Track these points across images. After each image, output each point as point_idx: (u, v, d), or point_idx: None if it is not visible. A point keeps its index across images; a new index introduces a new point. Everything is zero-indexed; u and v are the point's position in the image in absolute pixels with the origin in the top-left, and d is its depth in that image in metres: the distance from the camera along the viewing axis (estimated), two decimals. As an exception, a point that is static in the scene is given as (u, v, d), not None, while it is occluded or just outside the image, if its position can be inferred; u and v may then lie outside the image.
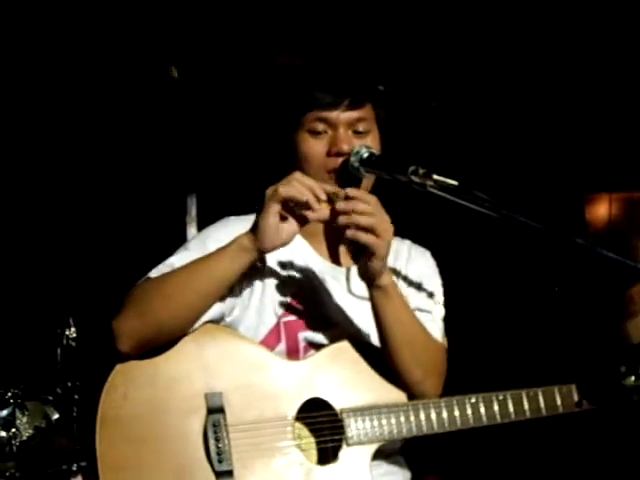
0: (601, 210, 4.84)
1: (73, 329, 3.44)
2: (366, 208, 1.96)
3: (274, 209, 1.95)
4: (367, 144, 2.12)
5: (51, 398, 3.29)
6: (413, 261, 2.28)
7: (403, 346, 2.07)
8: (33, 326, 3.70)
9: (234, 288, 2.09)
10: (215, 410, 1.95)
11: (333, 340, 2.15)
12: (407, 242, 2.32)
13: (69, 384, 3.39)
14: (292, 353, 2.14)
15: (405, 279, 2.23)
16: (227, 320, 2.13)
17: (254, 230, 1.97)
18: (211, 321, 2.08)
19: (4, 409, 3.14)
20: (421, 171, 1.98)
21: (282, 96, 2.25)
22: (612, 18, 4.17)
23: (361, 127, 2.14)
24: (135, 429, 1.92)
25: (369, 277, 2.03)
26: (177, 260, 2.07)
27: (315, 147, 2.13)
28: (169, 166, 4.14)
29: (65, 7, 3.90)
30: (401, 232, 2.28)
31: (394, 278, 2.11)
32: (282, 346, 2.13)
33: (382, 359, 2.11)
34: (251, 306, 2.14)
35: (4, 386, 3.19)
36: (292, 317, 2.15)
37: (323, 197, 1.97)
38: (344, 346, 2.12)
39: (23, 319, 3.81)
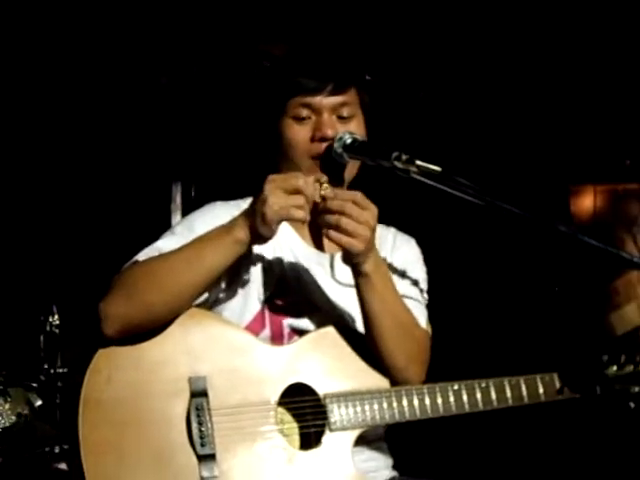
0: (586, 202, 4.85)
1: (56, 316, 3.43)
2: (361, 215, 1.95)
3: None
4: (351, 129, 2.13)
5: (34, 385, 3.28)
6: (397, 249, 2.29)
7: (387, 332, 2.07)
8: (16, 313, 3.69)
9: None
10: (198, 394, 1.95)
11: (317, 326, 2.15)
12: (392, 230, 2.33)
13: (52, 371, 3.38)
14: (276, 339, 2.14)
15: (390, 266, 2.22)
16: (211, 305, 2.13)
17: (252, 220, 1.96)
18: (195, 305, 2.08)
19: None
20: (404, 157, 1.98)
21: (266, 83, 2.25)
22: (595, 12, 4.18)
23: (345, 112, 2.15)
24: (118, 412, 1.92)
25: (351, 264, 2.04)
26: (164, 244, 2.07)
27: (299, 133, 2.13)
28: (154, 154, 4.13)
29: (57, 7, 3.89)
30: (387, 220, 2.29)
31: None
32: (266, 332, 2.14)
33: (366, 345, 2.11)
34: (235, 292, 2.14)
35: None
36: (276, 303, 2.16)
37: (317, 199, 1.98)
38: (328, 332, 2.12)
39: (6, 306, 3.80)
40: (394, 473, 2.25)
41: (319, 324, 2.16)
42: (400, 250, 2.29)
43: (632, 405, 2.21)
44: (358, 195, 1.98)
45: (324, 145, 2.11)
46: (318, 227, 2.17)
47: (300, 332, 2.15)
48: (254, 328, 2.13)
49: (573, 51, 4.32)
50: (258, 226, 1.94)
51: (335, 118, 2.14)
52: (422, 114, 4.37)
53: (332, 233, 1.96)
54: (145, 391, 1.95)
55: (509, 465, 3.91)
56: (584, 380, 2.24)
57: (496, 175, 4.08)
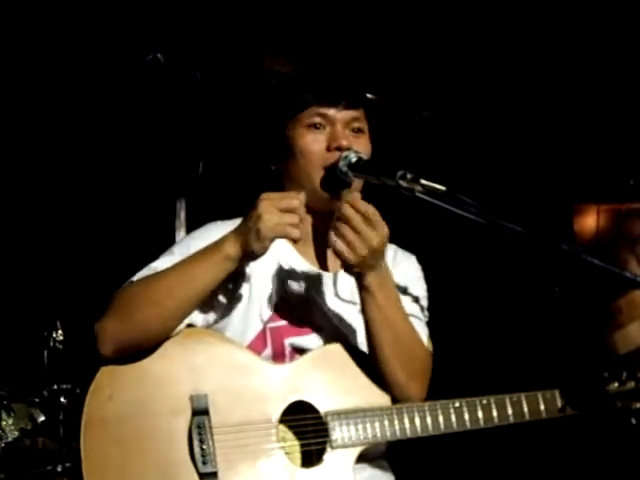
0: (589, 221, 4.85)
1: (60, 332, 3.43)
2: (365, 231, 1.97)
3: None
4: (362, 144, 2.17)
5: (37, 400, 3.28)
6: (398, 265, 2.29)
7: (387, 345, 2.07)
8: (20, 328, 3.69)
9: (218, 295, 2.11)
10: (200, 412, 1.96)
11: (319, 345, 2.16)
12: (393, 247, 2.33)
13: (55, 387, 3.38)
14: (278, 358, 2.15)
15: None
16: (212, 326, 2.14)
17: (245, 237, 1.97)
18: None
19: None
20: (409, 176, 1.99)
21: (283, 91, 2.26)
22: (603, 33, 4.19)
23: (357, 126, 2.18)
24: (120, 430, 1.94)
25: (352, 274, 2.05)
26: (161, 264, 2.09)
27: (315, 142, 2.15)
28: (159, 169, 4.13)
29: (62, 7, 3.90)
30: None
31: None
32: (268, 351, 2.15)
33: (368, 362, 2.12)
34: (236, 312, 2.15)
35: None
36: (278, 323, 2.16)
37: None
38: (330, 349, 2.13)
39: (10, 321, 3.80)
40: (392, 478, 2.25)
41: (321, 342, 2.17)
42: (400, 267, 2.30)
43: (633, 421, 2.22)
44: (370, 211, 1.99)
45: (336, 154, 2.12)
46: (321, 246, 2.20)
47: (302, 351, 2.16)
48: (256, 347, 2.14)
49: (578, 72, 4.33)
50: (251, 242, 1.95)
51: (348, 131, 2.17)
52: (426, 133, 4.38)
53: (331, 235, 1.99)
54: (147, 409, 1.96)
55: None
56: (585, 397, 2.24)
57: (500, 194, 4.08)
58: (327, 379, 2.10)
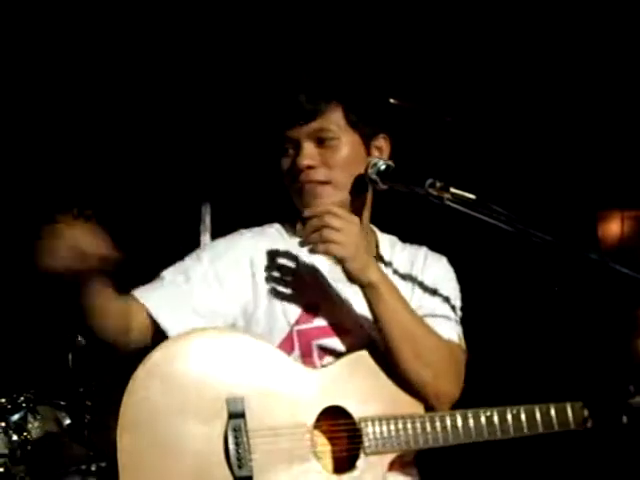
0: (613, 227, 4.83)
1: (85, 335, 3.44)
2: (337, 223, 2.01)
3: None
4: (331, 153, 2.17)
5: (63, 403, 3.30)
6: (428, 267, 2.30)
7: (403, 343, 2.07)
8: (45, 330, 3.71)
9: (240, 297, 2.16)
10: (236, 415, 1.97)
11: (347, 346, 2.17)
12: (423, 249, 2.35)
13: (81, 389, 3.40)
14: (306, 358, 2.16)
15: (421, 285, 2.26)
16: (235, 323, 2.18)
17: None
18: None
19: (16, 413, 3.15)
20: (438, 184, 2.00)
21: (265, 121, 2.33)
22: (623, 42, 4.18)
23: (321, 136, 2.17)
24: (156, 433, 1.94)
25: (353, 278, 2.06)
26: (168, 273, 2.16)
27: (286, 164, 2.21)
28: (184, 175, 4.15)
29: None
30: (417, 240, 2.36)
31: (405, 282, 2.21)
32: (296, 353, 2.16)
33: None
34: (264, 315, 2.17)
35: (16, 390, 3.20)
36: (305, 325, 2.18)
37: None
38: (363, 355, 2.13)
39: (36, 323, 3.82)
40: None
41: (349, 344, 2.17)
42: (431, 268, 2.30)
43: None
44: (332, 207, 2.05)
45: (302, 176, 2.16)
46: None
47: (330, 351, 2.17)
48: (283, 349, 2.14)
49: (605, 82, 4.32)
50: None
51: (315, 144, 2.18)
52: (450, 140, 4.38)
53: (320, 247, 2.02)
54: (183, 411, 1.96)
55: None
56: (610, 410, 2.23)
57: (525, 201, 4.07)
58: (361, 385, 2.10)
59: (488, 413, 2.14)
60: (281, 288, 2.19)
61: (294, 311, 2.18)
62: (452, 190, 1.98)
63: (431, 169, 2.07)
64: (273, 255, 2.21)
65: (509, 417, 2.15)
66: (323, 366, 2.14)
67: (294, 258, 2.22)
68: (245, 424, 1.97)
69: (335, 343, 2.18)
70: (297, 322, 2.17)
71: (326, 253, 2.04)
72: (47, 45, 3.99)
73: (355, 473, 2.04)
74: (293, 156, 2.18)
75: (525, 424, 2.16)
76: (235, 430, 1.96)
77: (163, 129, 4.20)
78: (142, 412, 1.94)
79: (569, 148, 4.50)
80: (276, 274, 2.19)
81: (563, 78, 4.35)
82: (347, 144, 2.18)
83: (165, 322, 2.07)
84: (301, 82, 2.23)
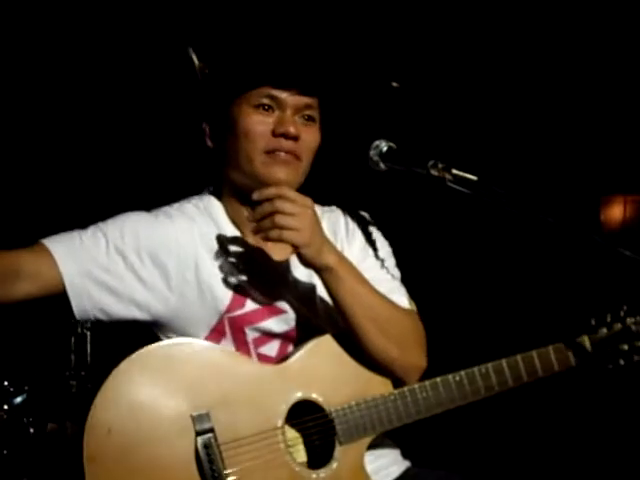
0: (616, 212, 4.85)
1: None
2: (290, 208, 1.92)
3: None
4: (310, 133, 2.10)
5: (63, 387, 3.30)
6: (352, 233, 2.25)
7: (367, 322, 2.02)
8: (48, 314, 3.72)
9: (162, 288, 2.06)
10: (204, 431, 1.89)
11: (285, 327, 2.12)
12: (338, 213, 2.25)
13: (83, 373, 3.41)
14: (240, 345, 2.09)
15: (352, 255, 2.14)
16: (166, 319, 2.08)
17: None
18: (137, 322, 2.06)
19: (19, 396, 3.15)
20: (440, 165, 1.98)
21: (233, 66, 2.16)
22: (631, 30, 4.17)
23: (308, 113, 2.10)
24: (125, 464, 1.84)
25: (309, 263, 1.99)
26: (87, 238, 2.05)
27: (260, 124, 2.06)
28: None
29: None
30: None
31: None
32: (228, 341, 2.09)
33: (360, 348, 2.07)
34: (185, 305, 2.07)
35: (19, 373, 3.21)
36: (237, 312, 2.09)
37: None
38: (322, 341, 2.07)
39: (38, 307, 3.82)
40: (407, 463, 2.23)
41: (286, 324, 2.12)
42: (356, 234, 2.25)
43: (621, 362, 2.21)
44: (283, 190, 1.94)
45: (284, 143, 2.05)
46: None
47: (266, 335, 2.10)
48: (214, 338, 2.08)
49: (605, 66, 4.31)
50: None
51: (297, 118, 2.08)
52: (456, 124, 4.37)
53: (272, 233, 1.92)
54: (148, 436, 1.87)
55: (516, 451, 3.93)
56: (577, 350, 2.22)
57: (528, 185, 4.07)
58: (324, 373, 2.04)
59: (457, 378, 2.10)
60: (207, 274, 2.08)
61: (224, 297, 2.08)
62: (454, 171, 1.97)
63: (433, 151, 2.06)
64: (196, 239, 2.10)
65: (478, 377, 2.11)
66: (283, 359, 2.07)
67: (218, 239, 2.11)
68: (215, 438, 1.90)
69: (271, 325, 2.11)
70: (228, 310, 2.08)
71: (280, 240, 1.93)
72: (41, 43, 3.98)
73: (333, 465, 2.00)
74: (271, 120, 2.06)
75: (509, 376, 2.14)
76: (206, 447, 1.88)
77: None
78: (107, 445, 1.84)
79: (573, 136, 4.51)
80: (202, 260, 2.08)
81: (570, 65, 4.35)
82: (318, 131, 2.14)
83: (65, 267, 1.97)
84: (314, 56, 2.18)
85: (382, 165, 2.10)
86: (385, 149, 2.09)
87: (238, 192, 2.12)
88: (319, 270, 2.00)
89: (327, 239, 2.01)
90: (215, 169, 2.17)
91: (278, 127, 2.05)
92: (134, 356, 1.91)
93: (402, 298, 2.18)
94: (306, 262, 1.99)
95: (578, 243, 1.97)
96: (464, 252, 4.54)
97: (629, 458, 3.73)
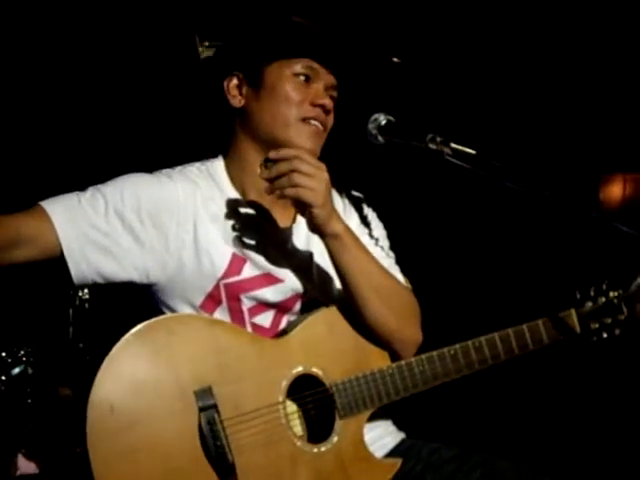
0: (615, 190, 4.85)
1: (86, 290, 3.46)
2: (307, 169, 1.94)
3: None
4: (332, 113, 2.17)
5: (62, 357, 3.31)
6: (349, 212, 2.28)
7: (370, 292, 2.04)
8: (46, 286, 3.72)
9: (159, 251, 2.05)
10: (207, 407, 1.90)
11: (281, 296, 2.13)
12: (333, 191, 2.26)
13: (81, 345, 3.41)
14: (235, 314, 2.10)
15: None
16: (152, 280, 2.07)
17: None
18: (135, 285, 2.06)
19: (16, 367, 3.16)
20: (439, 139, 1.98)
21: (286, 27, 2.19)
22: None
23: (333, 94, 2.18)
24: (128, 440, 1.85)
25: (318, 228, 2.00)
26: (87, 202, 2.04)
27: (301, 93, 2.12)
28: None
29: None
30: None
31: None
32: (223, 308, 2.10)
33: (356, 317, 2.09)
34: (182, 270, 2.08)
35: (17, 344, 3.21)
36: (233, 278, 2.10)
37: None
38: (321, 315, 2.09)
39: (37, 279, 3.83)
40: (401, 435, 2.26)
41: (282, 293, 2.13)
42: (353, 214, 2.28)
43: (605, 335, 2.22)
44: (301, 151, 1.98)
45: (319, 113, 2.12)
46: (272, 198, 2.10)
47: (262, 303, 2.11)
48: (209, 304, 2.09)
49: (606, 43, 4.30)
50: None
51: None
52: (457, 99, 4.36)
53: (289, 191, 1.94)
54: (151, 413, 1.88)
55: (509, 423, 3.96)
56: (563, 324, 2.23)
57: (527, 163, 4.07)
58: (324, 347, 2.05)
59: (452, 352, 2.12)
60: (205, 238, 2.09)
61: (221, 262, 2.09)
62: (452, 145, 1.96)
63: (432, 125, 2.06)
64: (198, 202, 2.09)
65: (472, 351, 2.14)
66: (283, 333, 2.08)
67: (220, 203, 2.12)
68: (218, 414, 1.91)
69: (267, 294, 2.12)
70: (224, 275, 2.09)
71: (296, 198, 1.94)
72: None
73: (333, 439, 2.02)
74: (308, 90, 2.12)
75: (501, 349, 2.16)
76: (210, 423, 1.89)
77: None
78: (110, 422, 1.84)
79: (573, 114, 4.51)
80: (201, 223, 2.08)
81: (566, 39, 4.33)
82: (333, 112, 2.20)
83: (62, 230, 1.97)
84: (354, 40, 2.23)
85: (380, 138, 2.10)
86: (384, 122, 2.10)
87: (250, 154, 2.14)
88: (326, 236, 2.02)
89: (335, 209, 2.04)
90: (227, 129, 2.19)
91: (316, 99, 2.12)
92: (134, 332, 1.91)
93: (398, 275, 2.22)
94: (315, 226, 2.01)
95: (573, 217, 1.97)
96: (455, 229, 4.54)
97: (620, 426, 3.77)
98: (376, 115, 2.11)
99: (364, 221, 2.28)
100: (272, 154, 1.97)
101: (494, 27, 4.29)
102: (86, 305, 3.46)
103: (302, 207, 1.98)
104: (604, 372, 3.95)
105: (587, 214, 1.96)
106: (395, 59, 2.36)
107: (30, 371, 3.15)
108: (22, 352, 3.19)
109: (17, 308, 3.64)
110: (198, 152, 2.23)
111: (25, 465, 2.98)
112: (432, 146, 1.99)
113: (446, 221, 4.53)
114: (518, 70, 4.43)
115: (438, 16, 4.21)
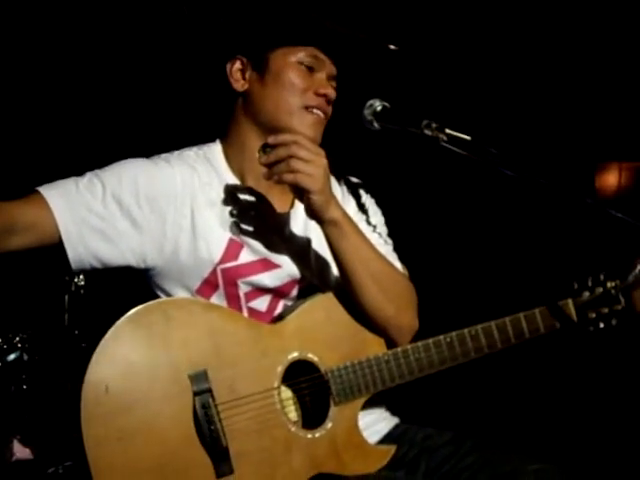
0: (611, 178, 4.85)
1: (81, 276, 3.45)
2: (306, 154, 1.94)
3: None
4: (331, 104, 2.17)
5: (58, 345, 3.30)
6: (347, 198, 2.28)
7: (368, 279, 2.05)
8: (42, 272, 3.72)
9: (157, 236, 2.06)
10: (202, 391, 1.90)
11: (278, 282, 2.13)
12: (331, 177, 2.25)
13: (76, 332, 3.41)
14: (231, 298, 2.11)
15: None
16: (149, 264, 2.08)
17: None
18: (132, 269, 2.07)
19: (12, 353, 3.16)
20: (434, 125, 1.99)
21: (293, 14, 2.21)
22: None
23: (333, 84, 2.19)
24: (122, 421, 1.84)
25: (316, 214, 2.01)
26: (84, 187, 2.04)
27: (305, 81, 2.13)
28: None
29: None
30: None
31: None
32: (220, 294, 2.10)
33: (353, 303, 2.09)
34: (179, 254, 2.08)
35: (12, 331, 3.21)
36: (230, 264, 2.10)
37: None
38: (317, 301, 2.09)
39: (33, 266, 3.83)
40: (395, 420, 2.27)
41: (279, 279, 2.13)
42: (349, 201, 2.28)
43: (601, 325, 2.23)
44: (299, 137, 1.98)
45: (322, 102, 2.13)
46: (270, 185, 2.11)
47: (259, 289, 2.12)
48: (205, 289, 2.09)
49: (603, 33, 4.30)
50: None
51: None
52: (454, 87, 4.36)
53: (287, 176, 1.94)
54: (146, 396, 1.87)
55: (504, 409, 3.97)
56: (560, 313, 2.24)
57: (523, 151, 4.07)
58: (320, 333, 2.06)
59: (448, 339, 2.13)
60: (203, 223, 2.09)
61: (218, 247, 2.09)
62: (447, 131, 1.97)
63: (428, 112, 2.06)
64: (195, 187, 2.10)
65: (468, 339, 2.14)
66: (279, 318, 2.09)
67: (218, 187, 2.13)
68: (213, 398, 1.91)
69: (264, 279, 2.12)
70: (221, 260, 2.09)
71: (294, 183, 1.95)
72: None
73: (328, 425, 2.02)
74: (312, 79, 2.13)
75: (497, 338, 2.16)
76: (204, 407, 1.89)
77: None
78: (104, 404, 1.84)
79: (569, 102, 4.50)
80: (199, 208, 2.09)
81: (564, 29, 4.33)
82: None
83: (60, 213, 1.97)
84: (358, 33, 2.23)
85: (376, 124, 2.11)
86: (379, 108, 2.10)
87: (250, 139, 2.15)
88: (324, 222, 2.02)
89: (334, 195, 2.04)
90: (226, 113, 2.20)
91: (320, 88, 2.13)
92: (130, 314, 1.91)
93: (396, 262, 2.22)
94: (313, 212, 2.01)
95: (570, 205, 1.97)
96: (453, 216, 4.55)
97: (615, 412, 3.79)
98: (371, 101, 2.11)
99: (362, 207, 2.29)
100: (271, 139, 1.98)
101: (490, 15, 4.28)
102: (82, 292, 3.45)
103: (300, 193, 1.98)
104: (599, 360, 3.96)
105: (583, 201, 1.96)
106: (392, 46, 2.36)
107: (26, 357, 3.14)
108: (18, 338, 3.18)
109: (13, 294, 3.63)
110: (196, 135, 2.23)
111: (21, 451, 2.98)
112: (427, 132, 1.99)
113: (443, 209, 4.53)
114: (514, 58, 4.42)
115: (434, 3, 4.20)
